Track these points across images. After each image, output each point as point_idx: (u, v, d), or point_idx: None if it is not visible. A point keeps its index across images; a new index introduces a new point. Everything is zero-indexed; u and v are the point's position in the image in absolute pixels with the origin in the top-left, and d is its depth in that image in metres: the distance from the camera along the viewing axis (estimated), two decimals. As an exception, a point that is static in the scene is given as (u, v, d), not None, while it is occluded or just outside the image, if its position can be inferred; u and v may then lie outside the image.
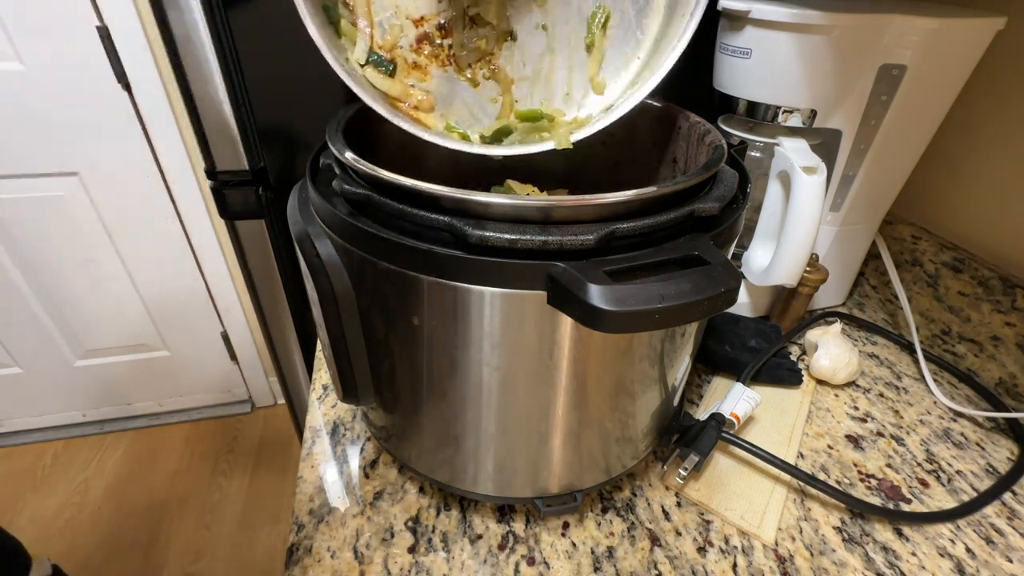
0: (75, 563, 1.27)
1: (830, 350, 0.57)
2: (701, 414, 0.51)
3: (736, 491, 0.46)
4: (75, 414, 1.63)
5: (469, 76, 0.42)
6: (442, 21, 0.40)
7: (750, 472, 0.47)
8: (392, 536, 0.42)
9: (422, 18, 0.40)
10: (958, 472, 0.49)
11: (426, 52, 0.41)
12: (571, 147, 0.38)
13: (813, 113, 0.52)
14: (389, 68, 0.40)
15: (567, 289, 0.26)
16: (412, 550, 0.41)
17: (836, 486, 0.45)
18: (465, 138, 0.41)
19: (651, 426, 0.42)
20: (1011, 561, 0.41)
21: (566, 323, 0.30)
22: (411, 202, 0.29)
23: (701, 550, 0.41)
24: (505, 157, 0.39)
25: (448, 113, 0.42)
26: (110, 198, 1.29)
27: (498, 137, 0.41)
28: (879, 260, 0.67)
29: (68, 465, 1.53)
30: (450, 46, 0.41)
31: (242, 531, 1.37)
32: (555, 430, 0.37)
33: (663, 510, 0.44)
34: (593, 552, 0.41)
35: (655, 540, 0.42)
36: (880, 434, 0.52)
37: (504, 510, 0.44)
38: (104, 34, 1.09)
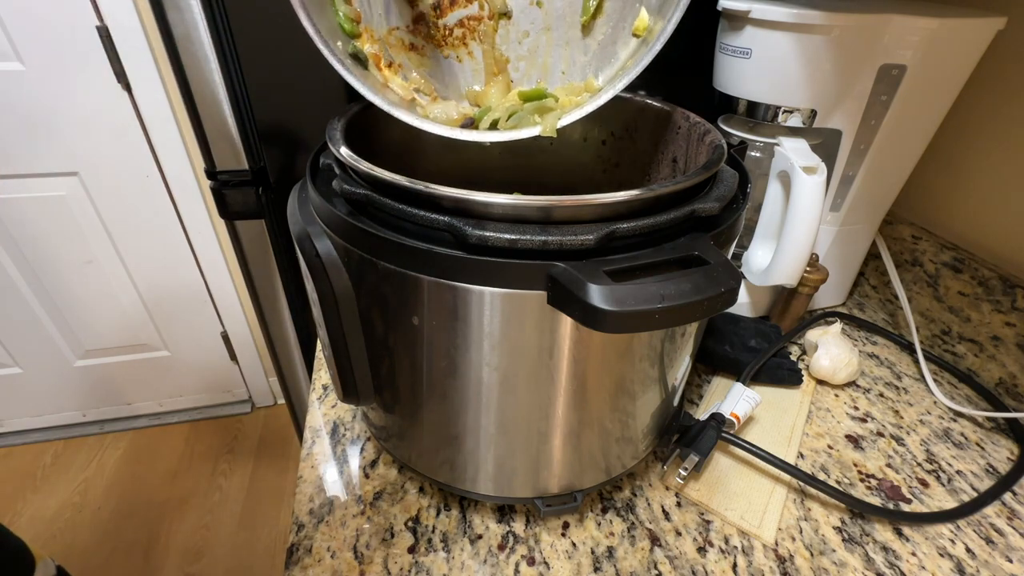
0: (75, 563, 1.27)
1: (830, 350, 0.57)
2: (701, 414, 0.51)
3: (736, 491, 0.46)
4: (75, 414, 1.63)
5: (464, 55, 0.41)
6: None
7: (750, 472, 0.47)
8: (392, 536, 0.42)
9: None
10: (958, 472, 0.49)
11: (423, 33, 0.40)
12: (555, 135, 0.37)
13: (813, 113, 0.52)
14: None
15: (567, 289, 0.26)
16: (412, 550, 0.41)
17: (836, 486, 0.45)
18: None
19: (651, 426, 0.42)
20: (1011, 561, 0.41)
21: (566, 323, 0.30)
22: (411, 202, 0.29)
23: (701, 550, 0.41)
24: (494, 144, 0.38)
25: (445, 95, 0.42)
26: (110, 198, 1.29)
27: (493, 127, 0.41)
28: (879, 260, 0.67)
29: (68, 465, 1.53)
30: (446, 26, 0.40)
31: (242, 531, 1.37)
32: (555, 430, 0.37)
33: (663, 510, 0.44)
34: (593, 552, 0.41)
35: (655, 540, 0.42)
36: (880, 434, 0.52)
37: (504, 510, 0.44)
38: (104, 34, 1.09)
